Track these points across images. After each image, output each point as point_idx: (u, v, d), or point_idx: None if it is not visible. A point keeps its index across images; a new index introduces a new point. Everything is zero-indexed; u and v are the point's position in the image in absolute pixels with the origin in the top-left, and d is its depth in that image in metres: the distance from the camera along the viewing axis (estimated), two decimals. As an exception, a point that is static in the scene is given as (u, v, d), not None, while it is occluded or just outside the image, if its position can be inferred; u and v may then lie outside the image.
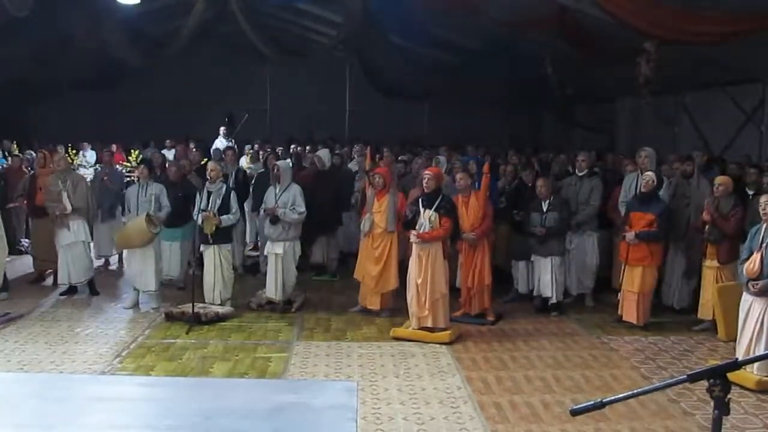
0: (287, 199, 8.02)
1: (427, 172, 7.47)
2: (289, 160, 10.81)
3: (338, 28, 15.04)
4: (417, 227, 7.13)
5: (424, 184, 7.29)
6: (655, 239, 7.43)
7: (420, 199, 7.28)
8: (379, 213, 7.85)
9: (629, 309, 7.56)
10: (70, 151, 13.40)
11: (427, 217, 7.12)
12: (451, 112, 18.18)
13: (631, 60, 8.89)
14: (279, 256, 8.04)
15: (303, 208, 8.03)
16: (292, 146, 14.62)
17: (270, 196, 8.16)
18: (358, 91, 19.53)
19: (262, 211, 8.46)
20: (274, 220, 7.99)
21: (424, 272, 7.08)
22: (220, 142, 14.63)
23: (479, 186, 7.92)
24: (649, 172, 7.63)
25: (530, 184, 8.75)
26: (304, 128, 18.71)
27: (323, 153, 10.12)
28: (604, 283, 8.72)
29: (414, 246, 7.17)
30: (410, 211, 7.29)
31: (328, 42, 17.02)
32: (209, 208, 7.87)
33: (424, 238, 7.07)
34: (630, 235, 7.40)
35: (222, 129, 15.64)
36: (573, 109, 16.35)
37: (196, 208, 7.97)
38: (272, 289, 8.12)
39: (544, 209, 8.02)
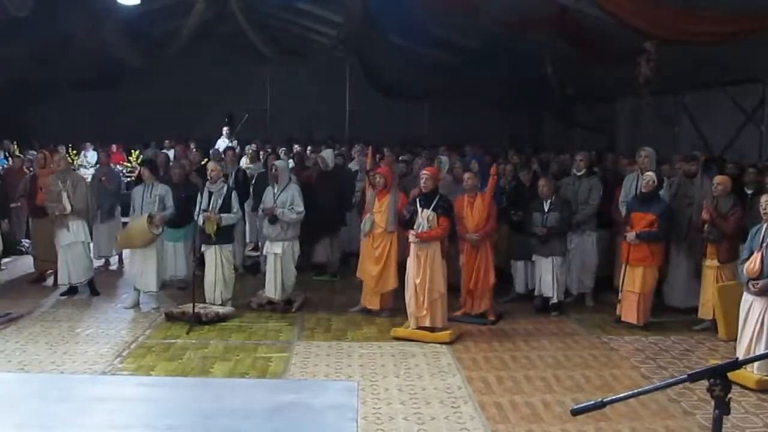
0: (285, 199, 8.03)
1: (424, 172, 7.48)
2: (290, 160, 10.82)
3: (338, 28, 15.05)
4: (415, 227, 7.15)
5: (422, 184, 7.31)
6: (655, 239, 7.43)
7: (417, 199, 7.29)
8: (379, 213, 7.85)
9: (629, 309, 7.56)
10: (70, 151, 13.41)
11: (425, 217, 7.13)
12: (451, 112, 18.18)
13: (631, 60, 8.89)
14: (278, 255, 8.05)
15: (301, 208, 8.04)
16: (295, 146, 14.64)
17: (268, 196, 8.16)
18: (358, 91, 19.54)
19: (260, 211, 8.47)
20: (273, 219, 8.00)
21: (423, 272, 7.09)
22: (223, 142, 14.65)
23: (482, 186, 7.92)
24: (650, 173, 7.62)
25: (527, 184, 8.78)
26: (304, 128, 18.72)
27: (327, 153, 10.13)
28: (605, 282, 8.72)
29: (412, 246, 7.18)
30: (408, 211, 7.30)
31: (328, 42, 17.02)
32: (210, 209, 7.87)
33: (423, 238, 7.08)
34: (631, 235, 7.40)
35: (225, 129, 15.66)
36: (573, 109, 16.35)
37: (197, 209, 7.98)
38: (271, 289, 8.13)
39: (546, 209, 8.02)
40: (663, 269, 7.92)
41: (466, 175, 7.90)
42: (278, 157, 10.66)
